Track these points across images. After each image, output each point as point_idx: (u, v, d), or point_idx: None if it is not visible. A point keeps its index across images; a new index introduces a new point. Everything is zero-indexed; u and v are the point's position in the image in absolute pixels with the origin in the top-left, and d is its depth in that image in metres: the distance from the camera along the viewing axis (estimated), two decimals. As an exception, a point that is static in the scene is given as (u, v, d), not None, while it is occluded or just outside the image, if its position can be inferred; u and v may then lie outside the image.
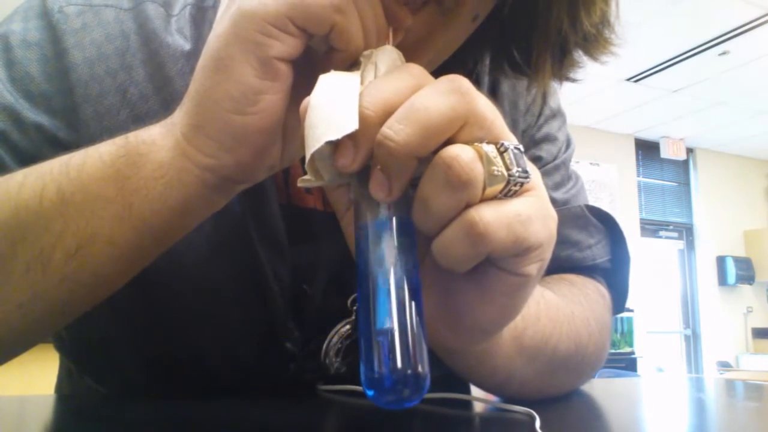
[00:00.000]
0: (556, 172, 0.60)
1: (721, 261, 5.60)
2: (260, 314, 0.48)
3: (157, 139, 0.34)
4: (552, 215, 0.30)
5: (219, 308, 0.48)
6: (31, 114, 0.44)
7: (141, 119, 0.46)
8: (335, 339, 0.49)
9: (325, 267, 0.50)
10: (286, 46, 0.30)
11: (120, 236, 0.34)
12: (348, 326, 0.49)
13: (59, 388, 0.65)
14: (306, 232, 0.49)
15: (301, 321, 0.49)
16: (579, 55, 0.43)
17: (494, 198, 0.27)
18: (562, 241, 0.57)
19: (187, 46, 0.48)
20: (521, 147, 0.28)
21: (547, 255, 0.30)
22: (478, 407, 0.47)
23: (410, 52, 0.34)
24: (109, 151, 0.35)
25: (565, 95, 0.64)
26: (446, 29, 0.39)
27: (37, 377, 2.21)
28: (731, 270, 5.52)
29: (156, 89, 0.46)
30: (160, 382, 0.51)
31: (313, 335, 0.49)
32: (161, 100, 0.46)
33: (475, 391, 0.51)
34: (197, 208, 0.35)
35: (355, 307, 0.49)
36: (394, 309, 0.25)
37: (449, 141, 0.27)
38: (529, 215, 0.27)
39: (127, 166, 0.34)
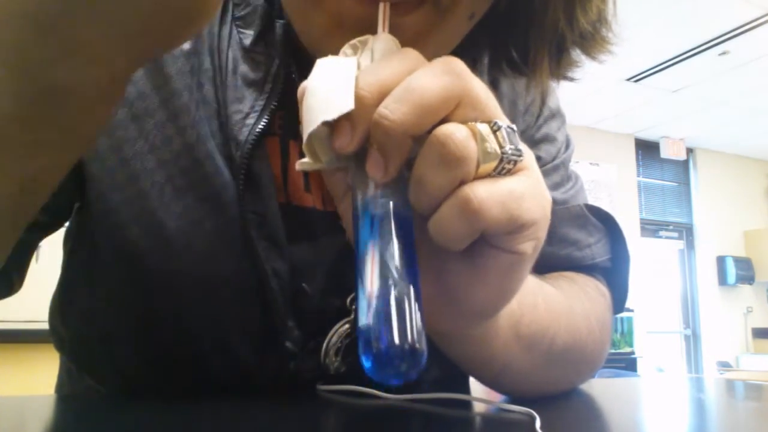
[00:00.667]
0: (556, 172, 0.60)
1: (721, 261, 5.60)
2: (260, 313, 0.48)
3: None
4: (545, 195, 0.30)
5: (218, 307, 0.48)
6: None
7: (139, 117, 0.46)
8: (335, 338, 0.49)
9: (324, 265, 0.50)
10: None
11: None
12: (347, 325, 0.49)
13: (60, 389, 0.65)
14: (305, 231, 0.49)
15: (301, 320, 0.49)
16: (577, 53, 0.43)
17: (488, 176, 0.27)
18: (561, 239, 0.57)
19: (186, 45, 0.48)
20: (514, 126, 0.28)
21: (542, 234, 0.30)
22: (478, 407, 0.47)
23: None
24: None
25: (565, 95, 0.65)
26: (442, 28, 0.39)
27: (36, 378, 2.22)
28: (731, 270, 5.52)
29: (155, 88, 0.46)
30: (160, 382, 0.51)
31: (313, 334, 0.49)
32: (160, 99, 0.46)
33: (475, 391, 0.51)
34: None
35: (354, 306, 0.49)
36: (391, 287, 0.26)
37: (444, 121, 0.27)
38: (522, 192, 0.28)
39: None
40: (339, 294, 0.49)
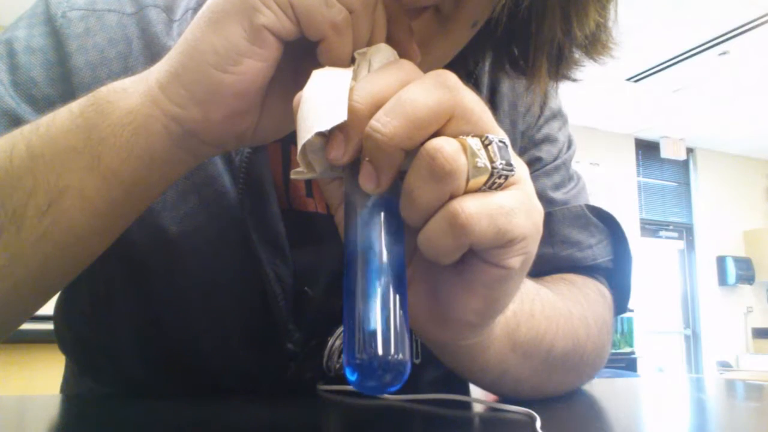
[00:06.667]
0: (557, 172, 0.60)
1: (721, 261, 5.60)
2: (262, 315, 0.48)
3: (128, 87, 0.34)
4: (538, 209, 0.30)
5: (219, 309, 0.48)
6: (33, 118, 0.44)
7: None
8: (337, 342, 0.49)
9: (326, 269, 0.50)
10: (280, 22, 0.31)
11: (90, 188, 0.33)
12: (348, 327, 0.49)
13: (65, 388, 0.65)
14: (308, 235, 0.49)
15: (302, 322, 0.49)
16: (577, 55, 0.43)
17: (478, 190, 0.27)
18: (562, 240, 0.57)
19: None
20: (506, 140, 0.28)
21: (532, 248, 0.30)
22: (478, 407, 0.47)
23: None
24: (79, 103, 0.35)
25: (565, 95, 0.64)
26: (446, 36, 0.39)
27: (38, 378, 2.22)
28: (731, 270, 5.52)
29: None
30: (160, 383, 0.51)
31: (314, 335, 0.50)
32: None
33: (475, 392, 0.51)
34: (163, 161, 0.34)
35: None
36: (377, 298, 0.26)
37: (437, 135, 0.27)
38: (512, 207, 0.28)
39: (95, 115, 0.33)
40: (341, 296, 0.49)
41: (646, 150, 5.54)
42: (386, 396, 0.46)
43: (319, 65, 0.31)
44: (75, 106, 0.34)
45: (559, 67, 0.43)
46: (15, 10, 0.51)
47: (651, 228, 5.56)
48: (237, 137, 0.35)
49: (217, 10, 0.31)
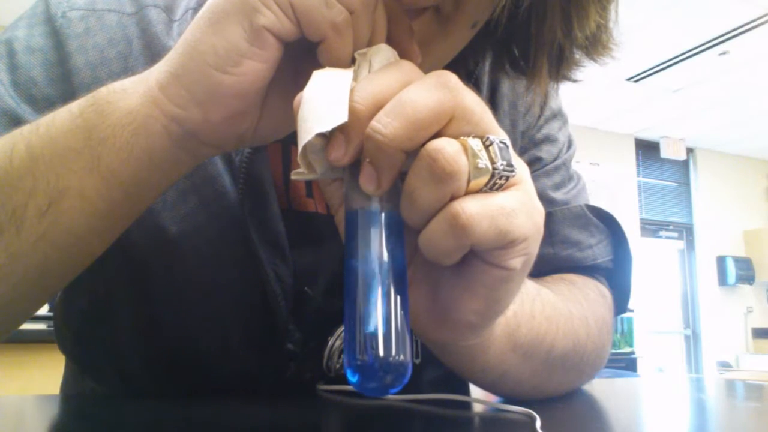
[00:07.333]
0: (557, 172, 0.60)
1: (721, 261, 5.60)
2: (262, 315, 0.48)
3: (128, 87, 0.34)
4: (539, 209, 0.30)
5: (220, 309, 0.48)
6: (33, 119, 0.44)
7: None
8: (337, 342, 0.49)
9: (326, 269, 0.50)
10: (280, 22, 0.31)
11: (90, 189, 0.33)
12: (348, 327, 0.49)
13: (65, 388, 0.65)
14: (308, 235, 0.49)
15: (302, 322, 0.49)
16: (578, 56, 0.43)
17: (479, 191, 0.27)
18: (562, 240, 0.57)
19: None
20: (507, 141, 0.28)
21: (533, 249, 0.30)
22: (478, 408, 0.47)
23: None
24: (79, 104, 0.35)
25: (565, 95, 0.64)
26: (446, 37, 0.39)
27: (37, 378, 2.22)
28: (731, 270, 5.52)
29: None
30: (160, 382, 0.51)
31: (314, 335, 0.50)
32: None
33: (475, 392, 0.51)
34: (163, 162, 0.34)
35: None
36: (378, 299, 0.26)
37: (437, 135, 0.27)
38: (513, 208, 0.28)
39: (95, 115, 0.33)
40: (341, 296, 0.49)
41: (646, 150, 5.54)
42: (386, 396, 0.46)
43: (319, 65, 0.31)
44: (75, 106, 0.34)
45: (560, 68, 0.43)
46: (15, 10, 0.51)
47: (651, 228, 5.56)
48: (237, 138, 0.35)
49: (217, 10, 0.31)
